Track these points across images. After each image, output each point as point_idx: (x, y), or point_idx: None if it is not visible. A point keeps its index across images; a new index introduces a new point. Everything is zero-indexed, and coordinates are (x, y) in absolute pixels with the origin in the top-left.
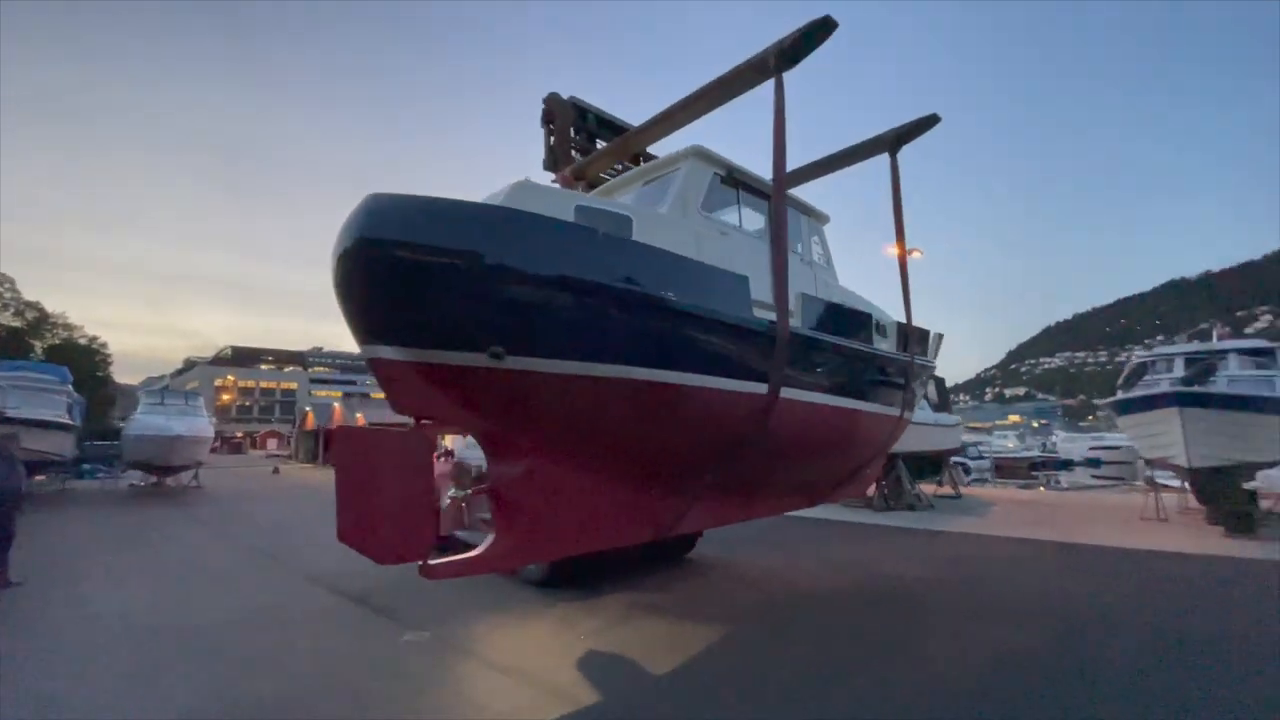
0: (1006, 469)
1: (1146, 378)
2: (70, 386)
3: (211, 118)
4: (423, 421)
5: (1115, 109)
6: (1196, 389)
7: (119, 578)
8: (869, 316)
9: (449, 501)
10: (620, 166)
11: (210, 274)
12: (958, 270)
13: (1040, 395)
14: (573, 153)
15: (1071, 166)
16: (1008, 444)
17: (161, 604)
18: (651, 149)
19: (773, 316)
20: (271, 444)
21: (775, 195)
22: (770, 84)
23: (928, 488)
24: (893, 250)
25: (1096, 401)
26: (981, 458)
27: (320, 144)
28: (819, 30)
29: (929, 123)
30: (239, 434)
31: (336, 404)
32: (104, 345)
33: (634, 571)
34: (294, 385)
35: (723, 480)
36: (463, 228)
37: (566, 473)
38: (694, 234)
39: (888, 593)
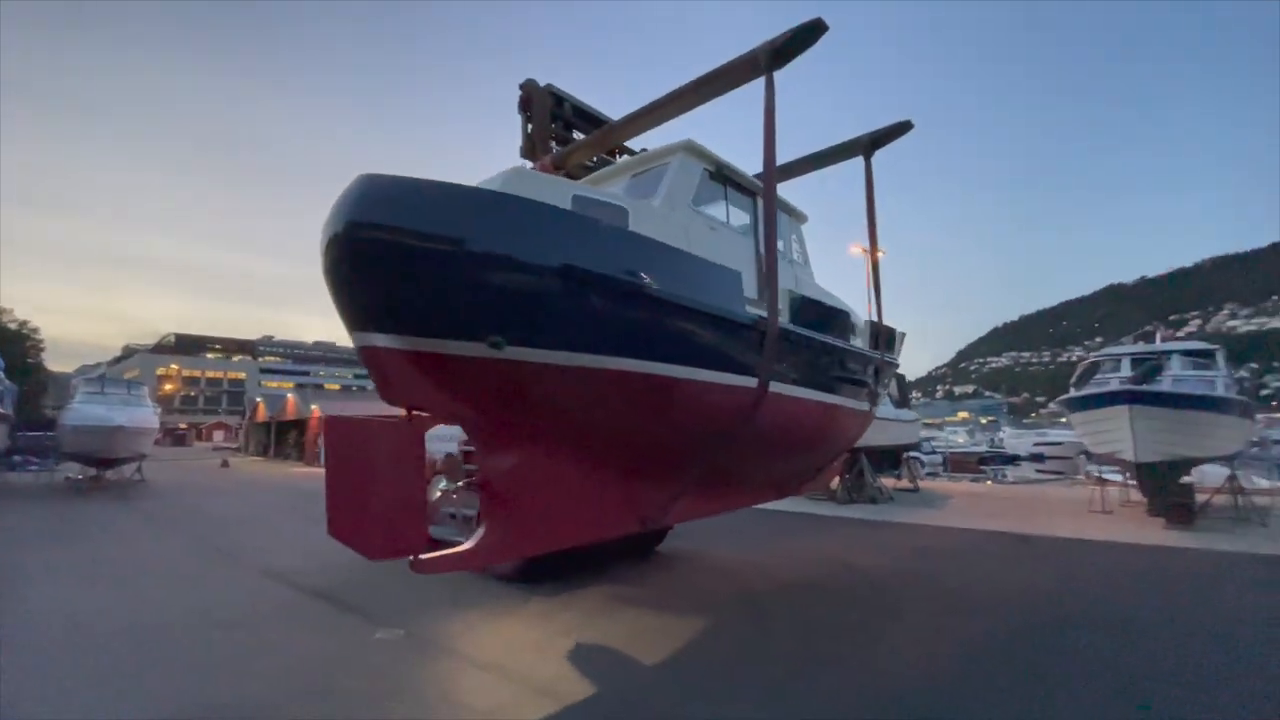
0: (958, 464)
1: (1097, 376)
2: (1, 373)
3: (150, 88)
4: (414, 413)
5: (1061, 114)
6: (1145, 388)
7: (61, 575)
8: (847, 314)
9: (439, 494)
10: (593, 160)
11: (153, 257)
12: (912, 270)
13: (987, 393)
14: (549, 141)
15: (1021, 170)
16: (958, 439)
17: (111, 604)
18: (634, 143)
19: (760, 312)
20: (218, 436)
21: (766, 193)
22: (754, 84)
23: (888, 481)
24: (856, 250)
25: (1039, 399)
26: (934, 453)
27: (276, 123)
28: (810, 32)
29: (902, 129)
30: (182, 425)
31: (290, 395)
32: (35, 330)
33: (605, 564)
34: (242, 375)
35: (707, 473)
36: (464, 213)
37: (559, 465)
38: (685, 228)
39: (861, 584)
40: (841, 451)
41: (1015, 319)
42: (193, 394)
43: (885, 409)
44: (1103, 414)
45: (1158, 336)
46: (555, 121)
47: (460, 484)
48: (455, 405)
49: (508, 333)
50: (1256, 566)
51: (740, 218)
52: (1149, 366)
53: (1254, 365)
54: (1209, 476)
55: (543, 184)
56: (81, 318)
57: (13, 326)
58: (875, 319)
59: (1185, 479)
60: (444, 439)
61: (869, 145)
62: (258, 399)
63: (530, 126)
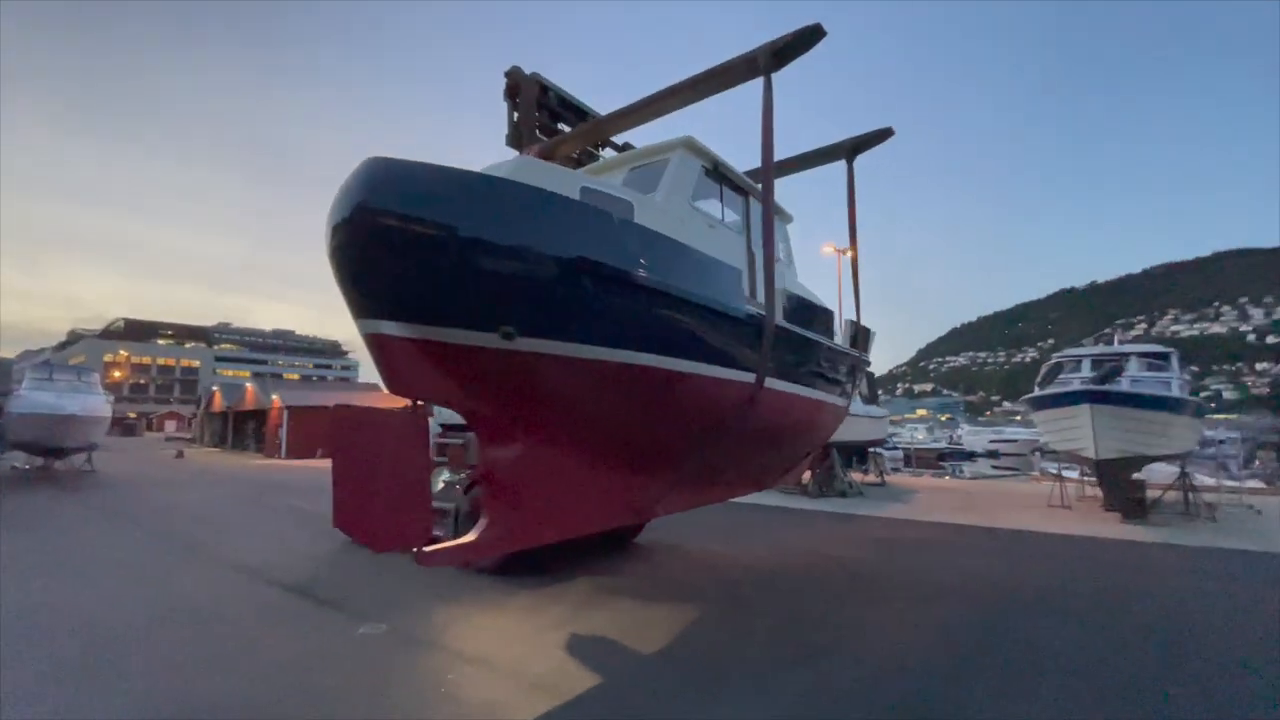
0: (920, 459)
1: (1061, 376)
2: None
3: (86, 55)
4: (419, 403)
5: (1024, 115)
6: (1106, 388)
7: (14, 570)
8: (831, 314)
9: (441, 486)
10: (577, 154)
11: (99, 234)
12: (873, 269)
13: (946, 391)
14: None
15: (982, 170)
16: (919, 436)
17: (72, 600)
18: (619, 138)
19: (754, 309)
20: (170, 426)
21: (765, 192)
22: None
23: (856, 476)
24: (828, 249)
25: (994, 398)
26: (895, 448)
27: (226, 94)
28: (809, 36)
29: (883, 135)
30: (132, 415)
31: (249, 384)
32: None
33: (585, 557)
34: (197, 363)
35: (699, 466)
36: (481, 200)
37: (562, 457)
38: (685, 224)
39: (840, 575)
40: (820, 445)
41: (973, 320)
42: (143, 382)
43: (855, 405)
44: (1065, 412)
45: (1115, 339)
46: (540, 110)
47: (463, 475)
48: (463, 396)
49: (520, 323)
50: (1224, 560)
51: (731, 216)
52: (1110, 368)
53: (1194, 369)
54: (1156, 474)
55: (552, 174)
56: (20, 300)
57: None
58: (854, 318)
59: (1136, 476)
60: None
61: (851, 150)
62: (214, 388)
63: (516, 115)
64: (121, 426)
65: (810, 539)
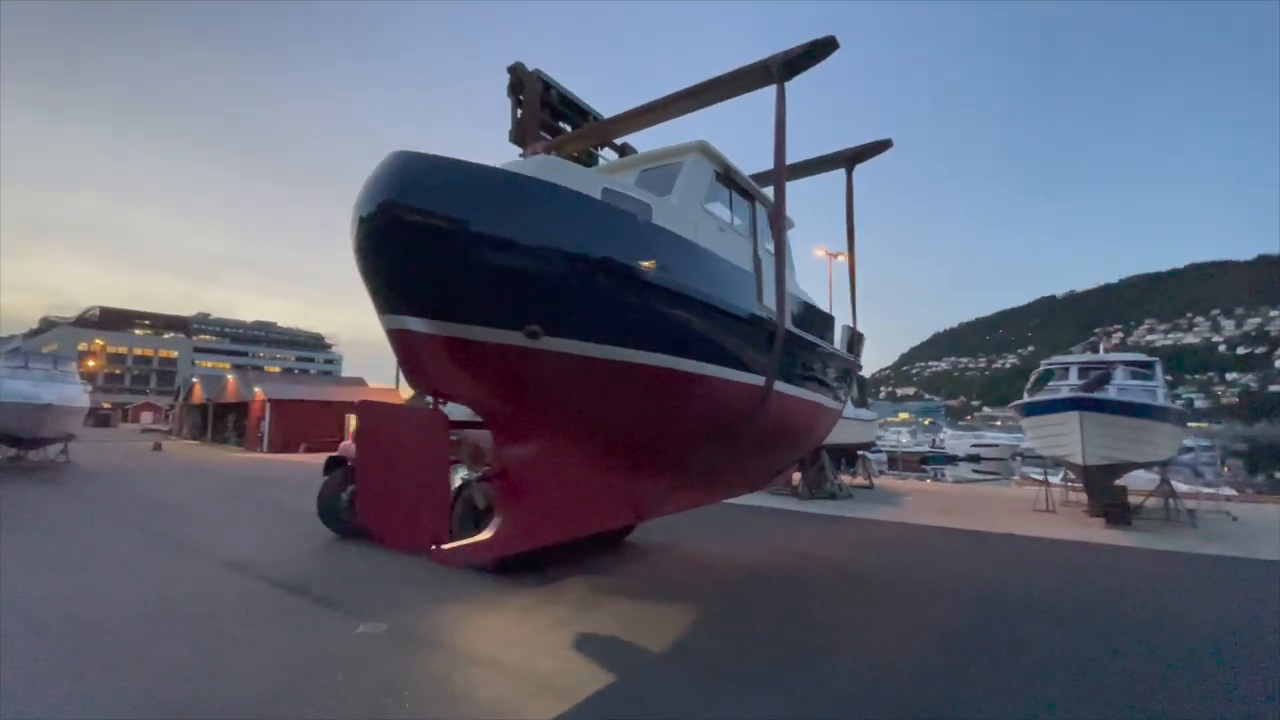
0: (905, 462)
1: (1050, 384)
2: None
3: (61, 33)
4: (439, 399)
5: (1014, 122)
6: (1095, 395)
7: None
8: (831, 318)
9: (458, 483)
10: (578, 154)
11: (74, 220)
12: (859, 272)
13: (928, 395)
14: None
15: (968, 177)
16: (903, 439)
17: (58, 594)
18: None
19: (763, 313)
20: (146, 417)
21: (777, 198)
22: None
23: (845, 478)
24: (820, 253)
25: (975, 403)
26: (878, 451)
27: (208, 76)
28: (823, 47)
29: (882, 146)
30: (106, 405)
31: (230, 375)
32: None
33: (579, 556)
34: (175, 354)
35: (705, 466)
36: (509, 199)
37: (578, 456)
38: (697, 227)
39: (835, 576)
40: (815, 447)
41: (955, 326)
42: (119, 372)
43: (847, 408)
44: (1054, 419)
45: (1101, 347)
46: (543, 109)
47: (480, 473)
48: (484, 394)
49: (546, 323)
50: (1210, 565)
51: (738, 220)
52: (1099, 376)
53: (1168, 377)
54: (1136, 481)
55: (575, 174)
56: None
57: None
58: (850, 324)
59: (1118, 482)
60: None
61: (850, 160)
62: (194, 379)
63: (520, 112)
64: (96, 417)
65: (803, 541)
